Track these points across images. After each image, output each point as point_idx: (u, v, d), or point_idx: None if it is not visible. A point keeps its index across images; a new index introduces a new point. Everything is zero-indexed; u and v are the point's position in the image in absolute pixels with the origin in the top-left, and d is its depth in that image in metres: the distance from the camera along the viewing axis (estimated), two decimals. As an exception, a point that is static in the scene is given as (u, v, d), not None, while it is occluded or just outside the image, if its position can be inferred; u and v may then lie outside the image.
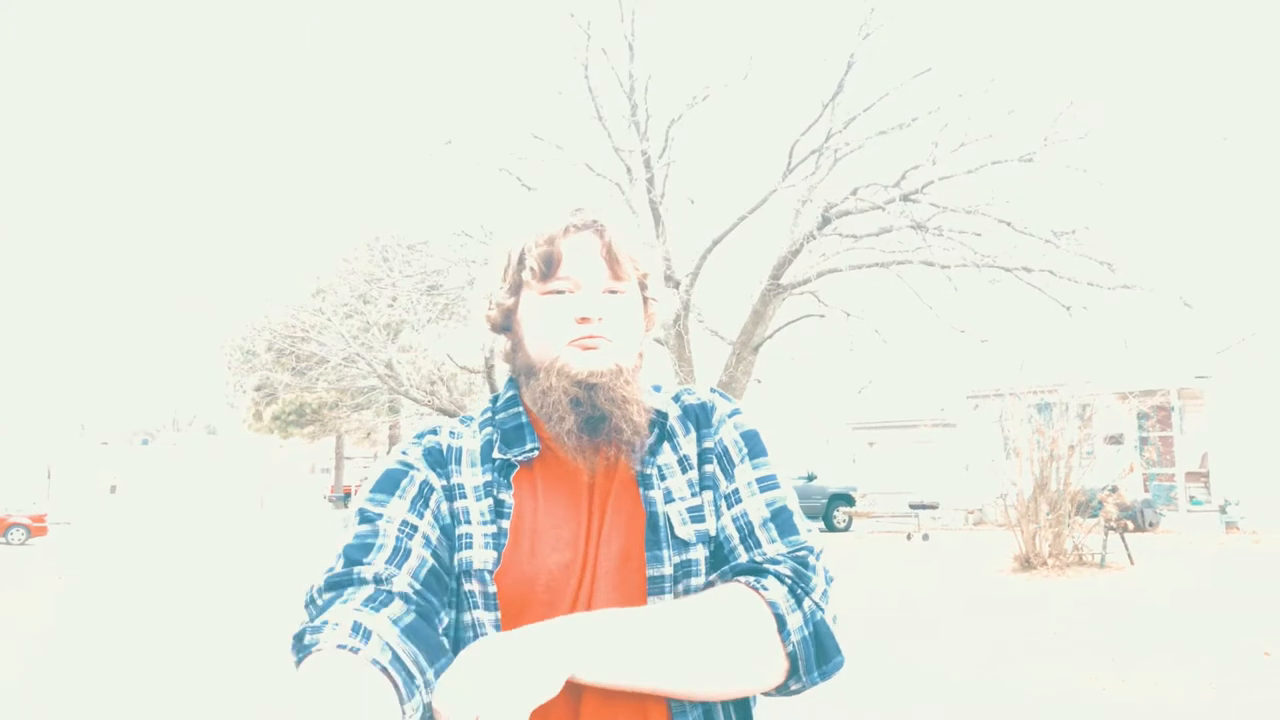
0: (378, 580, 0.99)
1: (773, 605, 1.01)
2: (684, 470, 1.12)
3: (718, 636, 1.00)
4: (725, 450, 1.13)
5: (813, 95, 13.91)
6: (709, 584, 1.07)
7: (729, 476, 1.12)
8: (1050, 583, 11.29)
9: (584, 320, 1.10)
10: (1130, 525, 13.00)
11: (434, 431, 1.18)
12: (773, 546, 1.06)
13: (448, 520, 1.08)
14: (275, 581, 15.18)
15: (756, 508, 1.09)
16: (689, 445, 1.14)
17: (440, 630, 1.01)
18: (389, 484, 1.09)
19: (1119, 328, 12.49)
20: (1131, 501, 13.22)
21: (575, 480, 1.11)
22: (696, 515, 1.09)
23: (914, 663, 7.62)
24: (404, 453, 1.14)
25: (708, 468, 1.12)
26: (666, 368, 13.87)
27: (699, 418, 1.17)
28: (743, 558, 1.06)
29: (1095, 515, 12.52)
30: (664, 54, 15.47)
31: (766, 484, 1.11)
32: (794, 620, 1.01)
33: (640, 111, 14.64)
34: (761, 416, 1.32)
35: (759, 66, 14.22)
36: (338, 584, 1.00)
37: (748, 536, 1.07)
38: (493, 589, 1.04)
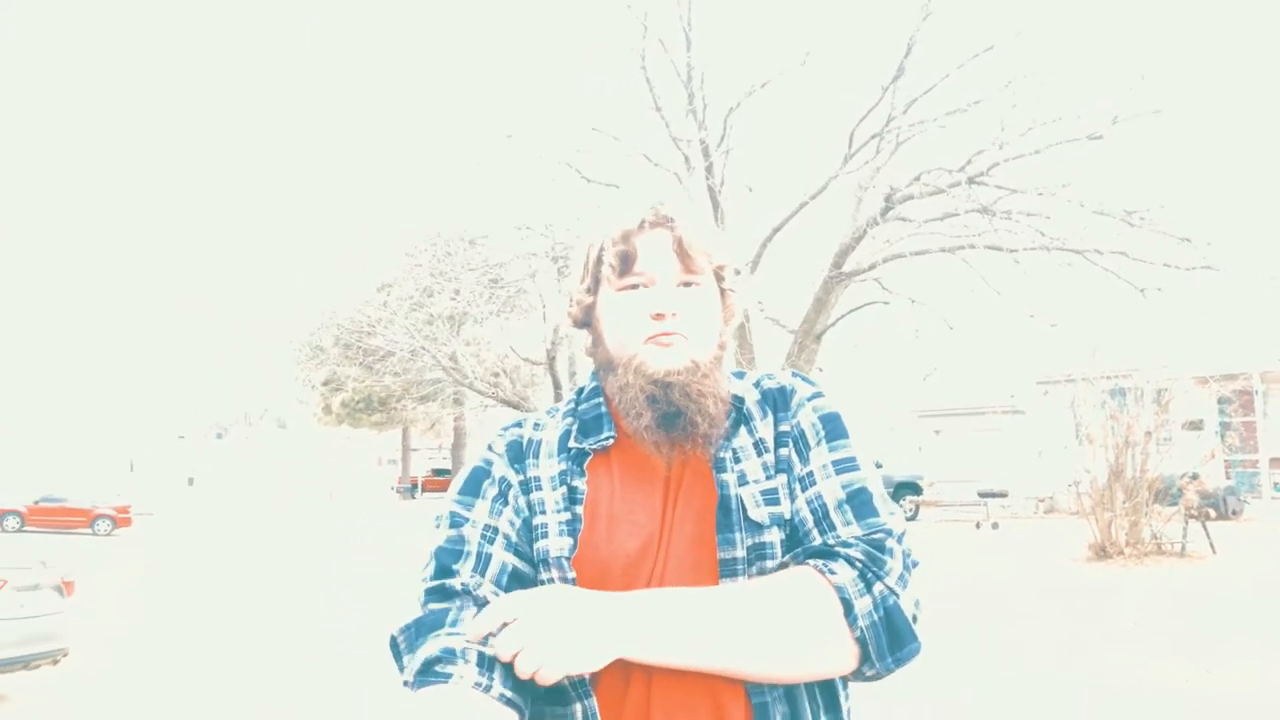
0: (466, 591, 1.05)
1: (839, 589, 1.00)
2: (759, 453, 1.12)
3: (777, 620, 1.00)
4: (802, 433, 1.13)
5: (872, 79, 13.70)
6: (783, 566, 1.07)
7: (804, 459, 1.11)
8: (1127, 572, 11.00)
9: (659, 316, 1.11)
10: (1212, 513, 12.60)
11: (519, 424, 1.22)
12: (847, 529, 1.05)
13: (526, 513, 1.12)
14: (349, 570, 15.56)
15: (832, 490, 1.08)
16: (765, 429, 1.15)
17: None
18: (473, 485, 1.14)
19: (1197, 309, 12.09)
20: (1213, 489, 12.81)
21: (652, 466, 1.13)
22: (771, 498, 1.09)
23: (987, 653, 7.51)
24: (489, 447, 1.19)
25: (783, 451, 1.12)
26: (728, 357, 13.81)
27: (777, 401, 1.17)
28: (816, 540, 1.06)
29: (1174, 503, 12.16)
30: (721, 42, 15.33)
31: (844, 466, 1.10)
32: (862, 605, 1.00)
33: (698, 101, 14.57)
34: None
35: (817, 51, 14.01)
36: (441, 594, 1.05)
37: (822, 519, 1.07)
38: (571, 574, 1.06)
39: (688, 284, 1.14)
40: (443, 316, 19.89)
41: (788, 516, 1.08)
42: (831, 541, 1.05)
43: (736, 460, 1.11)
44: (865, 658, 1.01)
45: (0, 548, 17.33)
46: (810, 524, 1.07)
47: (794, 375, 1.21)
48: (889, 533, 1.06)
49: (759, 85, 14.23)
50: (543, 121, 15.56)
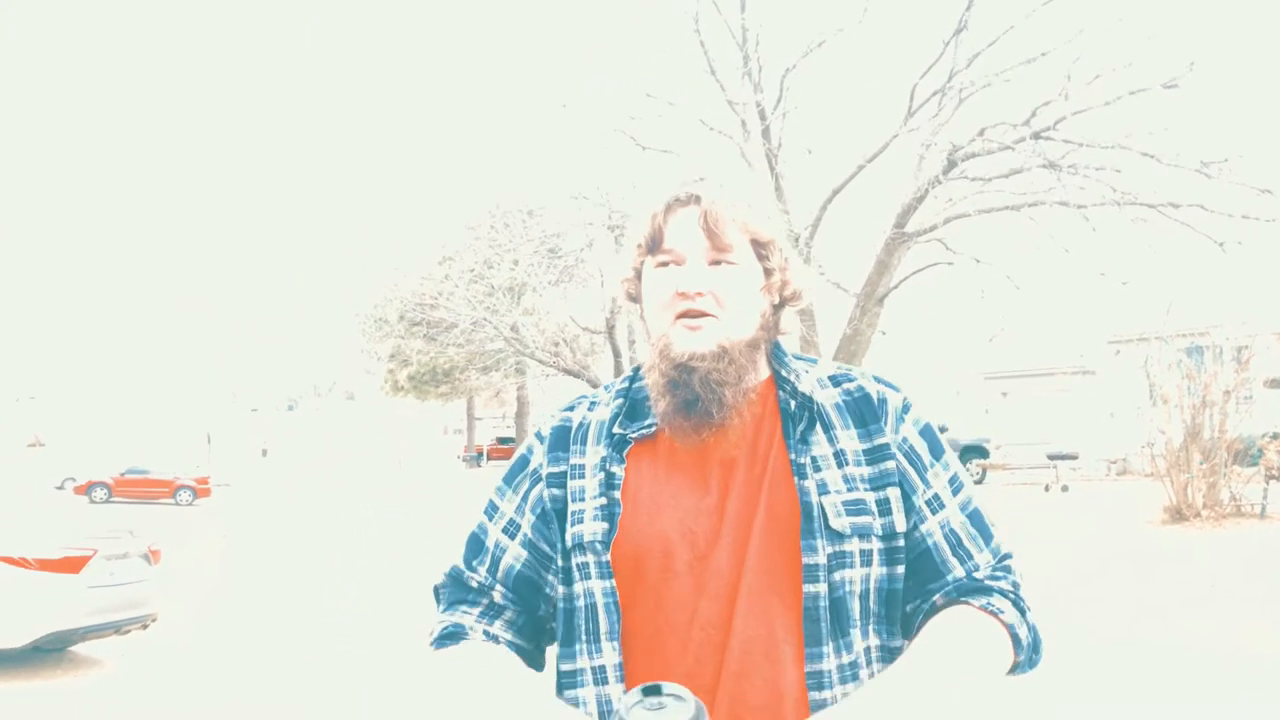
0: (483, 590, 1.21)
1: (1010, 628, 1.08)
2: (840, 465, 1.11)
3: (973, 677, 1.05)
4: (912, 449, 1.14)
5: (933, 33, 13.32)
6: (924, 602, 1.12)
7: (925, 481, 1.13)
8: (1204, 535, 10.73)
9: (683, 294, 1.11)
10: (1294, 473, 12.17)
11: (571, 408, 1.23)
12: (982, 555, 1.13)
13: (552, 504, 1.16)
14: (417, 535, 15.95)
15: (955, 514, 1.13)
16: (848, 439, 1.13)
17: (541, 610, 1.20)
18: (511, 474, 1.23)
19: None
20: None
21: (700, 454, 1.13)
22: (854, 509, 1.09)
23: (1059, 618, 7.42)
24: (537, 434, 1.23)
25: (887, 464, 1.12)
26: (792, 340, 13.67)
27: (864, 412, 1.15)
28: (956, 570, 1.12)
29: (1254, 464, 11.79)
30: (776, 2, 15.04)
31: (956, 485, 1.15)
32: (1023, 634, 1.09)
33: (753, 63, 14.35)
34: (888, 369, 1.31)
35: (875, 7, 13.66)
36: (459, 584, 1.23)
37: (957, 547, 1.12)
38: (605, 558, 1.08)
39: (718, 262, 1.12)
40: (503, 288, 20.05)
41: (897, 531, 1.10)
42: (979, 575, 1.12)
43: (817, 469, 1.10)
44: (1011, 669, 1.11)
45: (91, 518, 18.14)
46: (946, 552, 1.12)
47: (877, 381, 1.19)
48: (1010, 555, 1.15)
49: (815, 45, 13.94)
50: (597, 90, 15.46)
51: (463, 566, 1.23)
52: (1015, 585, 1.12)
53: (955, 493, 1.14)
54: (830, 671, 1.05)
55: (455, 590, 1.23)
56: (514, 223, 19.28)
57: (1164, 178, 11.76)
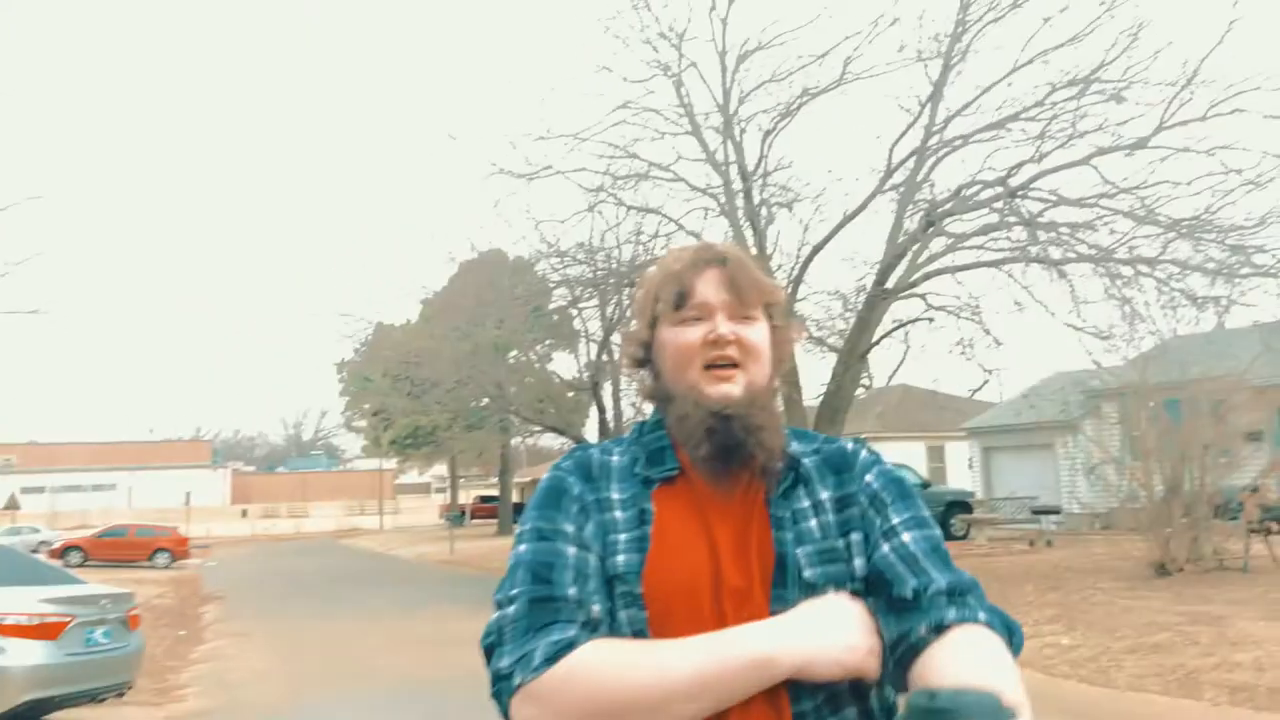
0: (580, 604, 1.08)
1: (994, 628, 1.05)
2: (818, 514, 1.16)
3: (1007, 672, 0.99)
4: (875, 493, 1.17)
5: (910, 96, 13.70)
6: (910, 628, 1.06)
7: (883, 516, 1.15)
8: (1189, 589, 10.74)
9: (715, 341, 1.16)
10: (1275, 527, 12.25)
11: (584, 449, 1.26)
12: (943, 576, 1.09)
13: (601, 529, 1.15)
14: (402, 591, 15.74)
15: (916, 540, 1.13)
16: (825, 491, 1.18)
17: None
18: (553, 499, 1.17)
19: (1254, 316, 11.82)
20: (1275, 501, 12.44)
21: (708, 503, 1.16)
22: (828, 557, 1.12)
23: (1045, 670, 7.38)
24: (558, 467, 1.23)
25: (853, 510, 1.16)
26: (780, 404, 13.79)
27: (839, 465, 1.21)
28: (910, 583, 1.08)
29: (1235, 518, 11.86)
30: (758, 68, 15.39)
31: (921, 522, 1.15)
32: (1015, 638, 1.06)
33: (735, 126, 14.69)
34: (871, 424, 1.36)
35: (854, 71, 14.04)
36: (540, 609, 1.07)
37: (912, 564, 1.10)
38: (638, 590, 1.10)
39: (743, 317, 1.19)
40: (487, 345, 20.10)
41: (860, 575, 1.11)
42: (945, 588, 1.07)
43: (795, 521, 1.14)
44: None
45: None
46: (899, 568, 1.10)
47: (854, 442, 1.26)
48: (974, 582, 1.10)
49: (796, 107, 14.31)
50: (580, 149, 15.71)
51: (542, 589, 1.08)
52: (979, 597, 1.08)
53: (918, 527, 1.14)
54: (808, 713, 1.06)
55: (537, 615, 1.06)
56: (499, 281, 19.40)
57: (1141, 235, 12.04)
